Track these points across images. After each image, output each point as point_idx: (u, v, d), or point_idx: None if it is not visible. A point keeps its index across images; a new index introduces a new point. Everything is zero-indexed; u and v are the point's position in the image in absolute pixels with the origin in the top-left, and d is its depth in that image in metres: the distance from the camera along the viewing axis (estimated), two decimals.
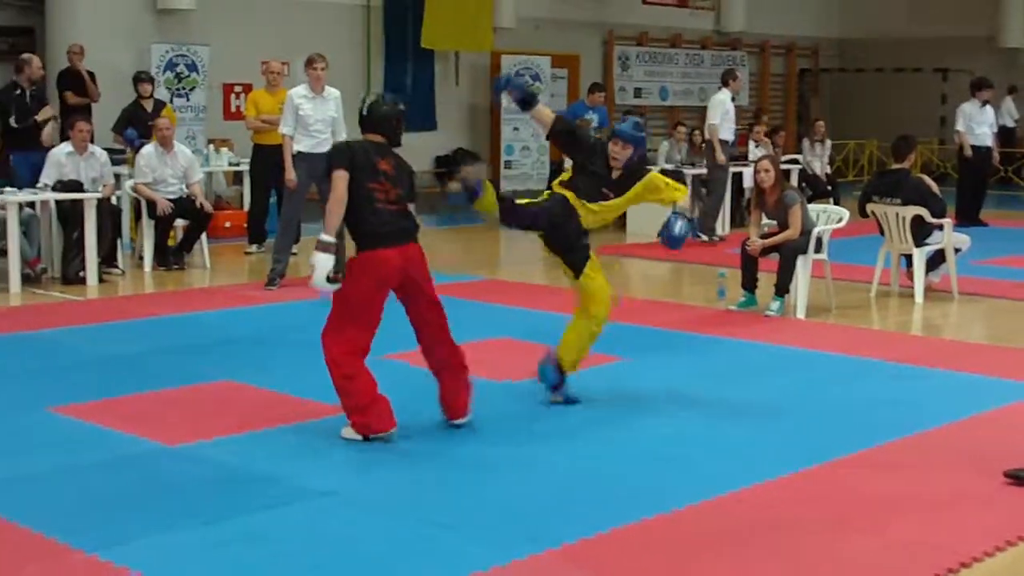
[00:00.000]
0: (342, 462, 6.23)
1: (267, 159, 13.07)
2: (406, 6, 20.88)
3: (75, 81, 15.25)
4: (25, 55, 14.13)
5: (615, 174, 7.43)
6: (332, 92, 11.63)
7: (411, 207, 6.86)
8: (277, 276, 11.38)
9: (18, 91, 13.10)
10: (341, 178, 6.55)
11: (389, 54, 20.68)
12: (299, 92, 11.54)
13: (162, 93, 16.02)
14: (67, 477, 5.92)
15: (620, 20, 24.25)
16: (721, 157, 15.19)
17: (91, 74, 15.37)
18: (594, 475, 6.08)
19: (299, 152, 11.41)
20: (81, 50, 15.57)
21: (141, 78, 14.58)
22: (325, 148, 11.39)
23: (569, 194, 7.45)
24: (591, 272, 7.54)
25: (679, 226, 7.37)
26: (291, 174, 11.42)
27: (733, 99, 15.54)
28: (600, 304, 7.54)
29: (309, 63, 11.62)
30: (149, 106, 14.16)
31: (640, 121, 7.73)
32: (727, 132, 15.35)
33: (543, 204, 7.50)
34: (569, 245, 7.51)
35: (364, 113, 6.96)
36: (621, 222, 16.30)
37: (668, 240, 7.41)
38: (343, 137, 11.62)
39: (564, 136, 7.66)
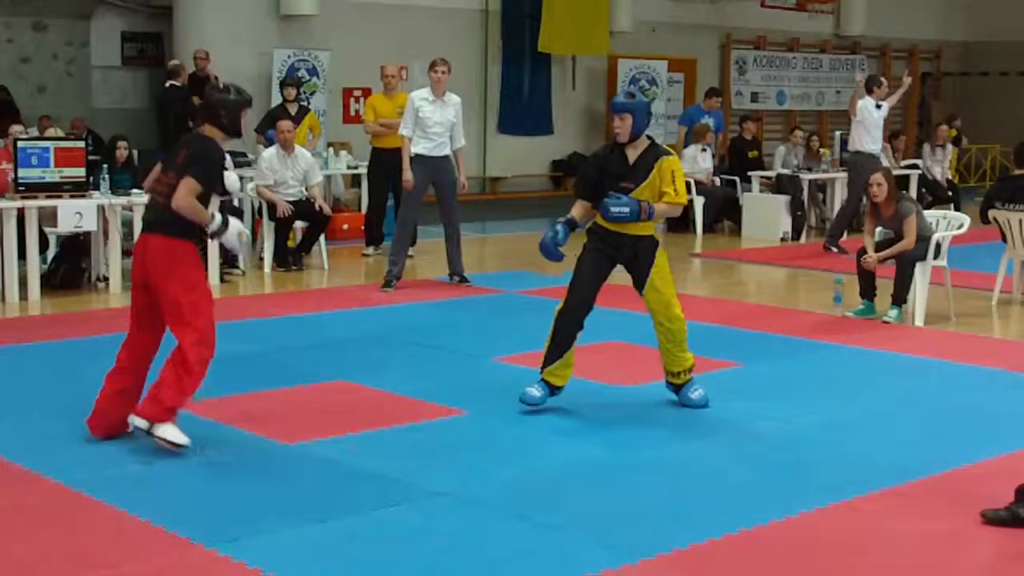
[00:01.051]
0: (455, 463, 6.28)
1: (385, 162, 13.21)
2: (524, 11, 20.98)
3: (202, 86, 15.56)
4: (175, 61, 14.82)
5: (631, 159, 7.30)
6: (453, 98, 11.71)
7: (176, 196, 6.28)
8: (394, 278, 11.50)
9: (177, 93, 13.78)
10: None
11: (506, 58, 20.80)
12: (420, 95, 11.65)
13: (281, 98, 16.27)
14: (187, 472, 6.05)
15: (737, 24, 24.10)
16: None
17: (216, 79, 15.69)
18: (709, 480, 6.07)
19: (417, 155, 11.53)
20: (207, 55, 15.92)
21: (287, 82, 14.95)
22: (444, 151, 11.52)
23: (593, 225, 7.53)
24: (657, 282, 7.53)
25: (622, 201, 7.15)
26: (408, 175, 11.54)
27: (878, 106, 14.57)
28: (663, 316, 7.51)
29: (431, 67, 11.72)
30: (293, 110, 14.43)
31: (631, 90, 7.58)
32: (871, 142, 14.41)
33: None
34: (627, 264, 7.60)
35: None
36: (737, 228, 16.21)
37: (604, 208, 7.19)
38: (461, 143, 11.73)
39: (594, 188, 7.45)
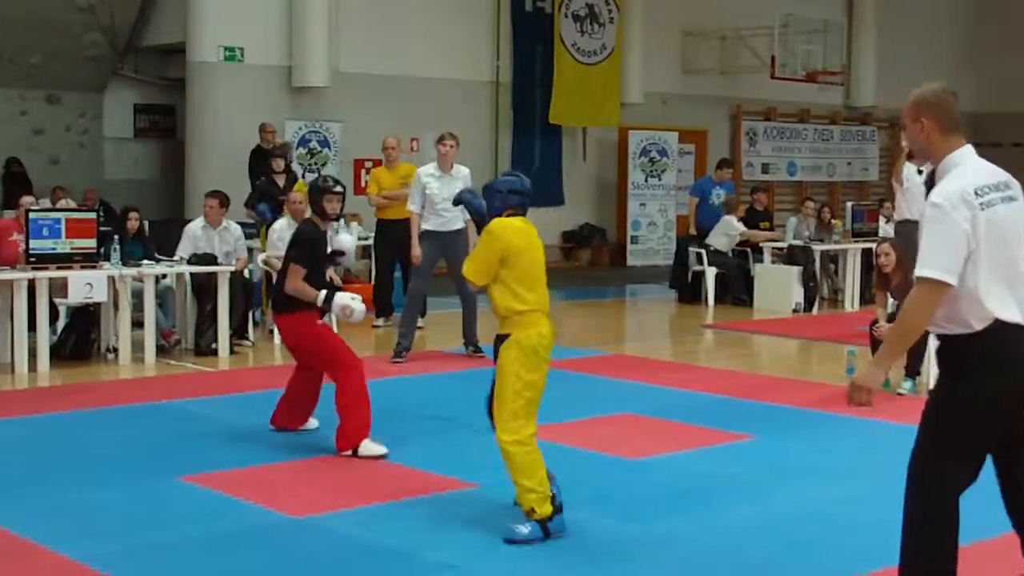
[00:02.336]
0: (465, 536, 6.21)
1: (391, 234, 13.23)
2: (534, 83, 21.11)
3: (266, 157, 15.62)
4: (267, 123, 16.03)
5: None
6: (461, 170, 11.71)
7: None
8: (404, 350, 11.46)
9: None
10: None
11: (517, 130, 20.90)
12: (427, 171, 11.67)
13: (295, 168, 16.31)
14: (196, 547, 5.99)
15: (748, 95, 24.22)
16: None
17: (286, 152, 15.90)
18: (724, 555, 5.99)
19: (427, 230, 11.53)
20: (274, 129, 16.07)
21: (274, 154, 14.82)
22: (455, 226, 11.48)
23: None
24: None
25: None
26: (416, 250, 11.54)
27: (919, 171, 14.41)
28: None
29: (439, 140, 11.76)
30: (281, 181, 14.41)
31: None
32: (916, 211, 13.33)
33: None
34: None
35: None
36: (749, 299, 16.16)
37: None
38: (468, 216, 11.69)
39: None
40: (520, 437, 6.01)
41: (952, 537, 4.86)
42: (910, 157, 14.29)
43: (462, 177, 11.66)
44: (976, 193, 4.74)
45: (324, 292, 7.88)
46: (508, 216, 6.29)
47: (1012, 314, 4.65)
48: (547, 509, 6.04)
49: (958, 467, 4.85)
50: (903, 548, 4.83)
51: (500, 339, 6.14)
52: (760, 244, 16.57)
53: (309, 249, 7.96)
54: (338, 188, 8.12)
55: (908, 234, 13.73)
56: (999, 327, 4.64)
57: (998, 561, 5.83)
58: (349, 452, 7.69)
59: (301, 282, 7.84)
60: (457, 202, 6.65)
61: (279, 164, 14.55)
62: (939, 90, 5.01)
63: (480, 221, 6.37)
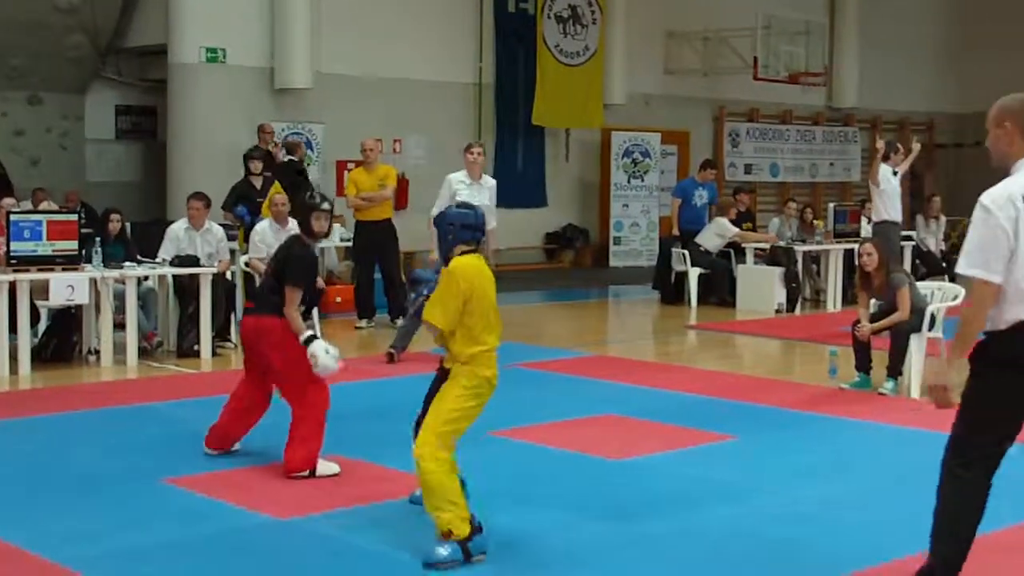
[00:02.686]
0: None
1: (370, 235, 13.22)
2: (517, 84, 21.11)
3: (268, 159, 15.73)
4: (292, 138, 16.30)
5: None
6: (488, 180, 11.74)
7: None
8: (398, 351, 11.42)
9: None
10: None
11: (500, 131, 20.89)
12: (458, 177, 11.65)
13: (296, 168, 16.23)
14: (180, 550, 5.98)
15: (731, 96, 24.25)
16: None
17: (293, 158, 15.99)
18: (706, 555, 6.00)
19: None
20: (272, 130, 16.10)
21: (252, 155, 14.75)
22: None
23: None
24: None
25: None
26: (435, 254, 11.47)
27: (895, 173, 14.55)
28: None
29: (467, 149, 11.74)
30: (259, 183, 14.36)
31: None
32: (894, 211, 14.34)
33: None
34: None
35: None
36: (732, 300, 16.19)
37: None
38: (492, 224, 11.61)
39: None
40: (440, 457, 5.80)
41: (969, 522, 5.21)
42: (885, 158, 14.43)
43: (489, 187, 11.67)
44: (1023, 198, 4.90)
45: (309, 333, 7.41)
46: (461, 254, 6.07)
47: None
48: (465, 529, 5.80)
49: (979, 450, 5.29)
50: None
51: (446, 371, 6.00)
52: (744, 245, 16.61)
53: (303, 270, 7.54)
54: (325, 205, 7.72)
55: (884, 234, 13.87)
56: (1019, 327, 4.91)
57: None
58: (306, 473, 7.30)
59: (295, 309, 7.43)
60: (415, 280, 6.59)
61: (257, 166, 14.49)
62: (1022, 98, 5.40)
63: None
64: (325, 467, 7.39)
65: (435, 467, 5.78)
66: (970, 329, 5.04)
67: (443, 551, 5.75)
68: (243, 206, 14.06)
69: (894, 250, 13.81)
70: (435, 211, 11.65)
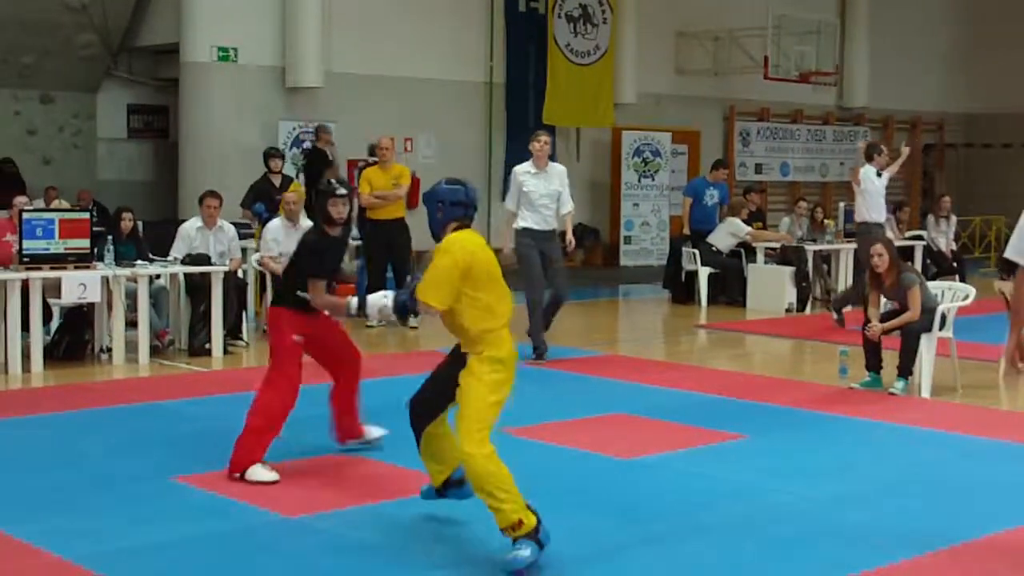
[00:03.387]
0: (458, 537, 6.23)
1: (382, 234, 13.23)
2: (528, 83, 21.12)
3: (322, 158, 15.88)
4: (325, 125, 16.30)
5: None
6: (556, 167, 11.67)
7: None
8: (543, 351, 11.50)
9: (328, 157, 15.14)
10: None
11: (510, 130, 20.89)
12: (523, 168, 11.59)
13: (288, 169, 16.31)
14: (191, 547, 6.00)
15: (741, 96, 24.24)
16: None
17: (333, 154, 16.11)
18: (717, 554, 6.01)
19: (525, 228, 11.49)
20: (328, 130, 16.16)
21: (271, 153, 14.83)
22: (551, 225, 11.46)
23: None
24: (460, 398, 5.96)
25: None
26: (510, 246, 11.50)
27: (879, 174, 14.63)
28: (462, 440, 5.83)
29: (532, 139, 11.68)
30: (277, 181, 14.42)
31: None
32: (875, 212, 14.46)
33: None
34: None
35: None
36: (742, 299, 16.19)
37: None
38: (569, 207, 11.64)
39: None
40: (487, 451, 5.70)
41: None
42: (869, 159, 14.48)
43: (558, 174, 11.61)
44: None
45: (355, 299, 7.08)
46: (454, 231, 5.97)
47: None
48: (532, 519, 5.65)
49: None
50: None
51: (463, 354, 5.94)
52: (755, 245, 16.60)
53: (318, 260, 7.40)
54: (341, 191, 7.54)
55: (866, 235, 13.90)
56: None
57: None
58: (237, 475, 7.17)
59: (325, 295, 7.34)
60: (400, 310, 6.31)
61: (277, 164, 14.59)
62: None
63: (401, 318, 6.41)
64: (258, 473, 7.16)
65: (483, 461, 5.65)
66: (1016, 312, 5.19)
67: (524, 552, 5.56)
68: (261, 204, 14.13)
69: (861, 252, 13.84)
70: (508, 204, 11.70)
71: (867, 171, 14.49)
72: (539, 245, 11.46)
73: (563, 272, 11.73)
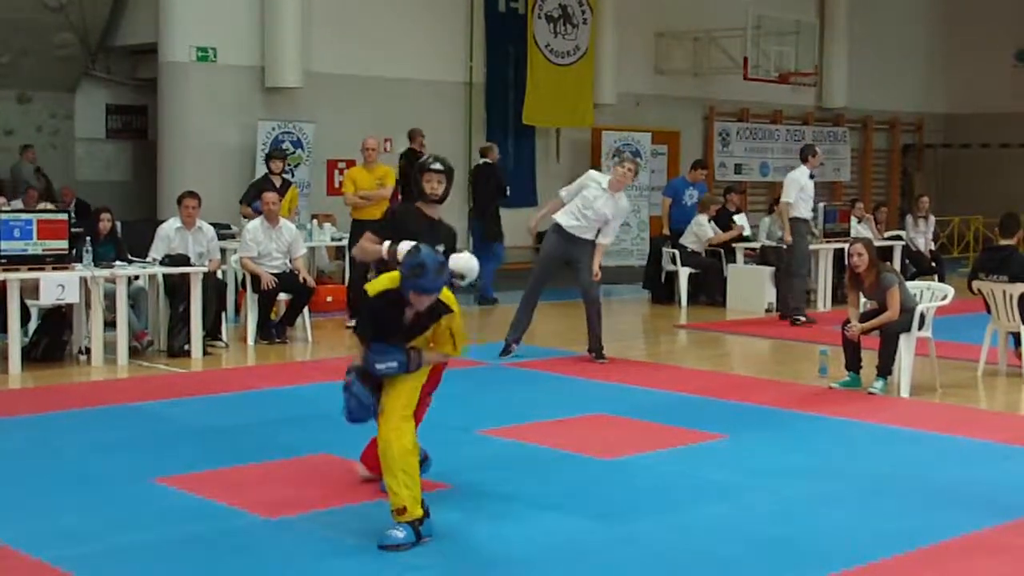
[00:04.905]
0: (439, 538, 6.21)
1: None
2: (508, 83, 21.11)
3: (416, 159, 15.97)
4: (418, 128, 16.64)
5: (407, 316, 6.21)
6: (623, 199, 11.60)
7: None
8: (512, 342, 11.55)
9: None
10: None
11: (490, 130, 20.87)
12: (597, 177, 11.58)
13: (264, 169, 16.26)
14: (170, 549, 5.97)
15: (721, 96, 24.28)
16: (788, 237, 14.77)
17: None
18: (696, 554, 6.01)
19: (558, 224, 11.50)
20: (423, 135, 16.48)
21: (273, 155, 14.91)
22: (587, 235, 11.43)
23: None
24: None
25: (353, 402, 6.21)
26: (533, 221, 11.68)
27: (812, 176, 14.98)
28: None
29: (620, 162, 11.64)
30: (278, 183, 14.44)
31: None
32: (804, 210, 14.81)
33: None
34: None
35: None
36: (722, 299, 16.23)
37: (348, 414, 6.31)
38: (607, 240, 11.59)
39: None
40: (408, 444, 6.03)
41: None
42: (804, 160, 14.96)
43: (621, 206, 11.52)
44: None
45: (388, 242, 6.89)
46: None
47: None
48: (419, 512, 6.00)
49: None
50: None
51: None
52: (732, 244, 16.64)
53: (386, 220, 7.22)
54: (436, 165, 7.13)
55: (797, 232, 14.38)
56: None
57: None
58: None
59: (365, 242, 7.12)
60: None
61: (277, 165, 14.59)
62: None
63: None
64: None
65: (401, 450, 6.00)
66: None
67: (399, 534, 5.94)
68: (260, 203, 14.14)
69: (802, 247, 14.79)
70: (562, 192, 11.66)
71: (802, 171, 14.90)
72: (566, 246, 11.45)
73: (590, 279, 11.61)
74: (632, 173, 11.57)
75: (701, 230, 16.49)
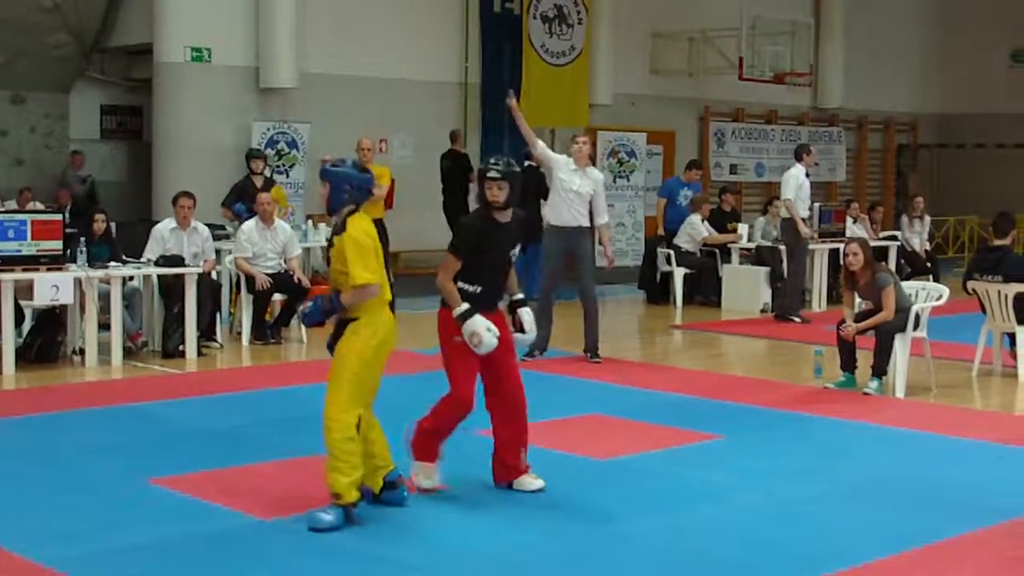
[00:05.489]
0: (433, 537, 6.22)
1: None
2: (503, 83, 21.05)
3: (459, 160, 16.20)
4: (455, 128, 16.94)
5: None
6: (595, 172, 11.66)
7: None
8: (536, 349, 11.44)
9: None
10: None
11: (485, 131, 20.87)
12: (565, 159, 11.59)
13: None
14: (165, 550, 5.96)
15: (716, 96, 24.27)
16: (805, 231, 14.84)
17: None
18: (691, 554, 6.01)
19: (552, 226, 11.52)
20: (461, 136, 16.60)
21: (253, 155, 14.85)
22: (581, 222, 11.45)
23: None
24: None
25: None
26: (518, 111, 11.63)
27: (807, 175, 15.12)
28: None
29: (573, 139, 11.73)
30: (259, 182, 14.41)
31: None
32: (802, 209, 14.94)
33: None
34: None
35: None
36: (717, 300, 16.23)
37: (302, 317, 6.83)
38: (604, 219, 11.73)
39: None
40: (347, 420, 6.26)
41: None
42: (799, 159, 15.15)
43: (595, 180, 11.56)
44: None
45: (466, 306, 6.79)
46: (349, 213, 6.42)
47: None
48: (353, 497, 6.26)
49: None
50: None
51: (345, 323, 6.43)
52: (728, 245, 16.64)
53: (464, 238, 6.97)
54: (492, 173, 6.90)
55: (791, 230, 14.48)
56: None
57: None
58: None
59: (449, 279, 6.88)
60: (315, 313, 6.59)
61: (258, 165, 14.58)
62: None
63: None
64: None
65: (340, 429, 6.27)
66: None
67: (328, 516, 6.22)
68: (242, 204, 14.12)
69: (802, 246, 14.98)
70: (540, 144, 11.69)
71: (798, 170, 14.95)
72: (566, 244, 11.45)
73: (588, 275, 11.69)
74: (587, 144, 11.60)
75: (695, 230, 16.50)
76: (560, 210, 11.49)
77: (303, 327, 6.55)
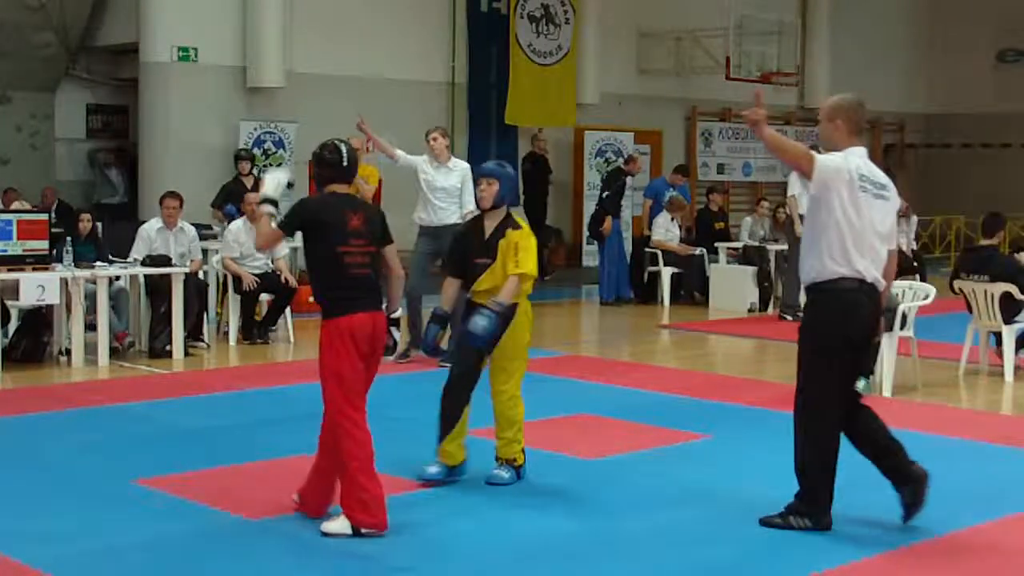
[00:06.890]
0: (421, 538, 6.20)
1: None
2: (490, 83, 21.08)
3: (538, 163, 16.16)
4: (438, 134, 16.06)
5: (486, 232, 7.08)
6: (458, 163, 11.60)
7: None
8: (411, 347, 11.42)
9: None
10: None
11: (473, 130, 20.86)
12: (422, 159, 11.57)
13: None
14: (152, 550, 5.95)
15: (703, 96, 24.29)
16: (800, 229, 14.92)
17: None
18: (684, 554, 6.01)
19: (421, 226, 11.45)
20: (546, 138, 16.40)
21: (241, 156, 14.84)
22: (450, 219, 11.32)
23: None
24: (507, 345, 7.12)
25: (480, 325, 6.81)
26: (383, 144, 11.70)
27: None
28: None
29: (426, 135, 11.67)
30: (249, 183, 14.39)
31: (501, 161, 7.41)
32: (802, 207, 14.99)
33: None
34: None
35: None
36: (704, 298, 16.25)
37: (469, 336, 6.93)
38: (471, 207, 11.40)
39: (459, 265, 7.26)
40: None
41: None
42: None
43: (460, 170, 11.50)
44: None
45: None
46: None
47: None
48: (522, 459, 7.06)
49: None
50: None
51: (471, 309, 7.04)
52: (715, 244, 16.67)
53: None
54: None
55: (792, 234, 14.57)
56: None
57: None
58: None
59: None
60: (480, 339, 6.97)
61: (245, 166, 14.58)
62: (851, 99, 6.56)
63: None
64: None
65: (521, 406, 7.09)
66: None
67: (505, 474, 7.04)
68: (232, 205, 14.10)
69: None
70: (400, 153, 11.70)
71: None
72: (436, 242, 11.28)
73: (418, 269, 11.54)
74: (443, 135, 11.55)
75: (668, 235, 16.56)
76: (428, 210, 11.45)
77: (475, 344, 6.32)
